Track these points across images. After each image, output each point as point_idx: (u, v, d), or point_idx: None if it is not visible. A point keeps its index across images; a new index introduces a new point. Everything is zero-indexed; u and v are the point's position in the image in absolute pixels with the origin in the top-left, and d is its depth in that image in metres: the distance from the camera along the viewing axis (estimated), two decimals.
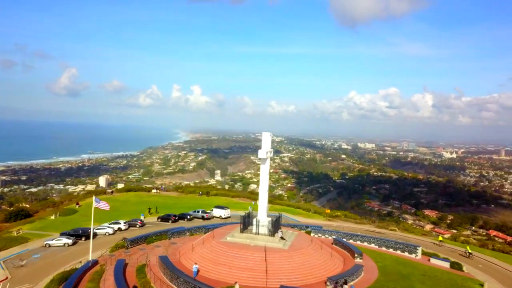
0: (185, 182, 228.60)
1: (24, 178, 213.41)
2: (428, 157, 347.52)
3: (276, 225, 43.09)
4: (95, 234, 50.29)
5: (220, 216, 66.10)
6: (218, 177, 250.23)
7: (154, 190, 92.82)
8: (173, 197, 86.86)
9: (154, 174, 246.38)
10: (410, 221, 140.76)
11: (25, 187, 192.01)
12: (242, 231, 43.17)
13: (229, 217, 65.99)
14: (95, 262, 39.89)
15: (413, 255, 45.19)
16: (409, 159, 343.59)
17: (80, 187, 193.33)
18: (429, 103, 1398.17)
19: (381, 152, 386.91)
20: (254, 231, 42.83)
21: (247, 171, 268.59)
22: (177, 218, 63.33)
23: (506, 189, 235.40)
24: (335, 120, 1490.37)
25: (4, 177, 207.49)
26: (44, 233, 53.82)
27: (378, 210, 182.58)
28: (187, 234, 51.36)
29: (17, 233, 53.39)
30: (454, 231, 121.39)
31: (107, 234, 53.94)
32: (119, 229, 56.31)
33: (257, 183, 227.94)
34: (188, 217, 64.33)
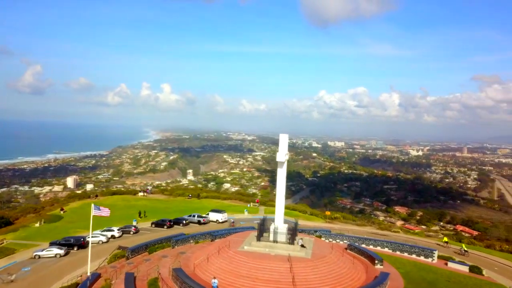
0: (157, 182, 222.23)
1: None
2: (396, 155, 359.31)
3: (294, 232, 40.92)
4: (87, 243, 46.20)
5: (217, 220, 63.23)
6: (190, 177, 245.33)
7: (141, 193, 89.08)
8: (162, 200, 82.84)
9: (124, 174, 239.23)
10: (381, 218, 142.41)
11: None
12: (258, 239, 40.62)
13: (226, 221, 63.18)
14: (97, 276, 36.11)
15: (429, 259, 44.19)
16: (377, 157, 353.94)
17: (47, 188, 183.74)
18: (396, 102, 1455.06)
19: (350, 150, 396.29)
20: (271, 238, 40.37)
21: (220, 170, 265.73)
22: (172, 223, 59.96)
23: (469, 185, 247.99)
24: (305, 119, 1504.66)
25: None
26: (31, 242, 49.03)
27: (351, 207, 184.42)
28: (191, 241, 48.02)
29: (0, 244, 48.04)
30: (423, 226, 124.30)
31: (100, 242, 49.93)
32: (113, 236, 52.49)
33: (231, 182, 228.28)
34: (184, 222, 60.96)
